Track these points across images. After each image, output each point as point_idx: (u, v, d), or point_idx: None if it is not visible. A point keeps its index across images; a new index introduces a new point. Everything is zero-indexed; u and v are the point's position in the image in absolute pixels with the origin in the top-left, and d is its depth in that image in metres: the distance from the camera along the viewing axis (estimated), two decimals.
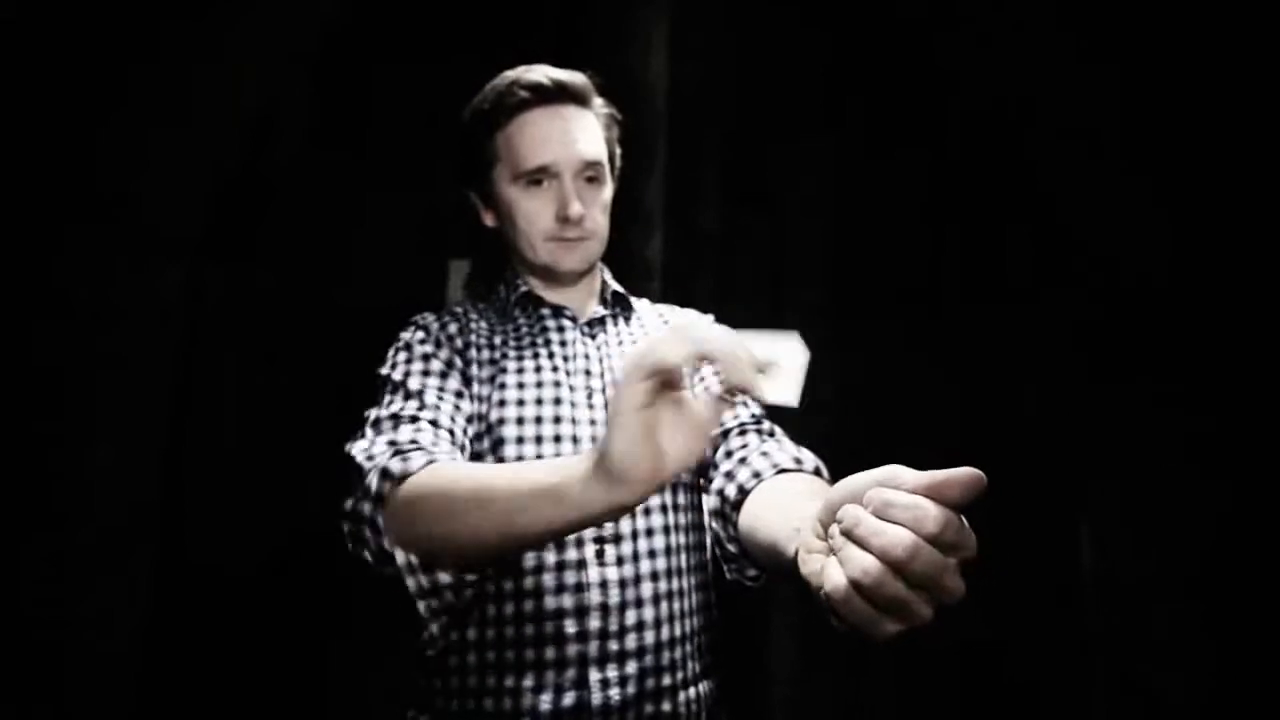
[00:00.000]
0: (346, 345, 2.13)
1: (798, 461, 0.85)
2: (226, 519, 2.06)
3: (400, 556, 0.71)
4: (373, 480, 0.74)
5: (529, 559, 0.86)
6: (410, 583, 0.72)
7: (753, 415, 0.94)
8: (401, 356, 0.94)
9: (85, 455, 1.85)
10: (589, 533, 0.87)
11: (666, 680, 0.86)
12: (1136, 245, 2.00)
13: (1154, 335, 1.95)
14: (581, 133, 0.96)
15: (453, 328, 0.98)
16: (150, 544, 1.95)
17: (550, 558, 0.86)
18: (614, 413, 0.52)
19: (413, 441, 0.80)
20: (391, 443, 0.79)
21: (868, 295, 2.20)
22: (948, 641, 2.05)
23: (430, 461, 0.74)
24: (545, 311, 1.01)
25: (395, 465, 0.73)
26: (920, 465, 0.45)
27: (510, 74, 0.98)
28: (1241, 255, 1.88)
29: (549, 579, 0.85)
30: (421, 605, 0.73)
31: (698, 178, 2.23)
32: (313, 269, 2.19)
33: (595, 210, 0.98)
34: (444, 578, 0.71)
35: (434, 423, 0.85)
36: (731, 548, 0.85)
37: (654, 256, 2.12)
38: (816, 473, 0.85)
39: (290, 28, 2.04)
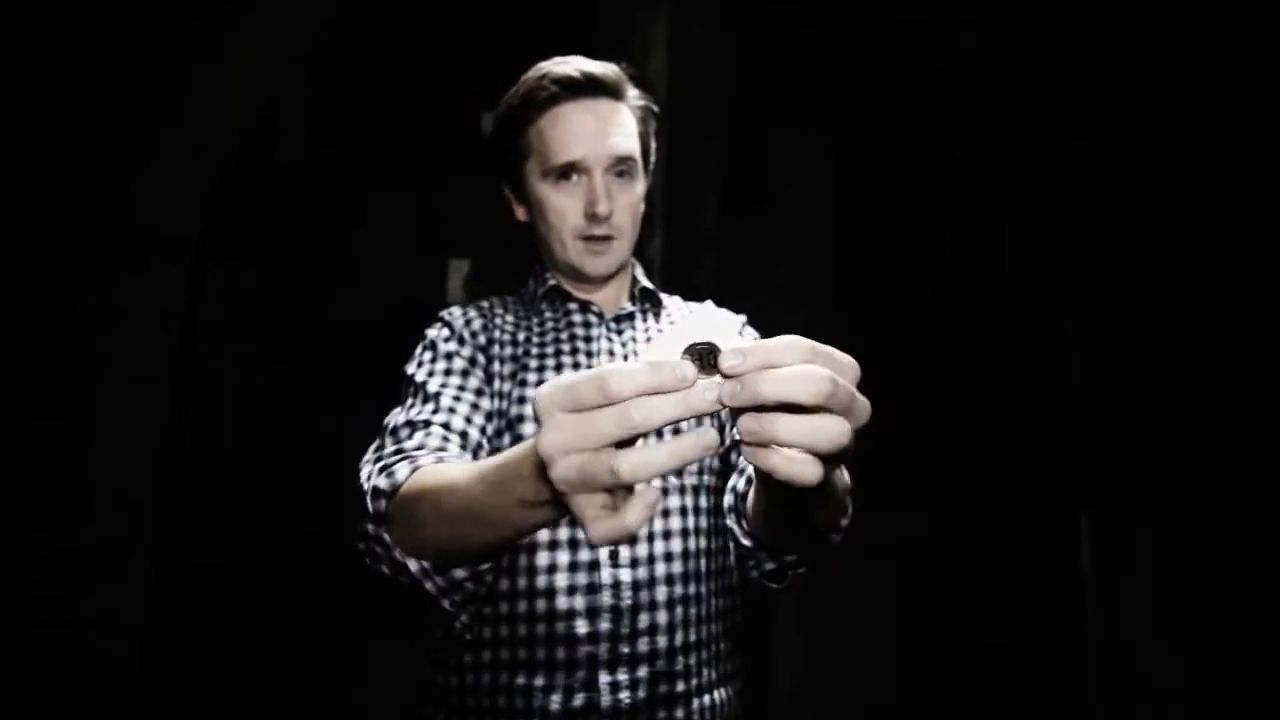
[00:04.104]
0: (346, 345, 2.13)
1: None
2: (226, 519, 2.05)
3: (413, 565, 0.71)
4: (368, 501, 0.75)
5: (542, 558, 0.86)
6: (429, 586, 0.71)
7: None
8: (426, 355, 0.93)
9: (85, 455, 1.85)
10: None
11: (680, 686, 0.85)
12: (1136, 243, 2.00)
13: (1154, 333, 1.96)
14: (613, 127, 0.93)
15: (477, 324, 0.97)
16: (150, 544, 1.95)
17: (564, 557, 0.86)
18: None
19: (418, 448, 0.80)
20: (397, 451, 0.79)
21: (866, 295, 2.21)
22: (950, 639, 2.06)
23: (415, 469, 0.74)
24: (572, 306, 1.00)
25: (383, 483, 0.74)
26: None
27: (543, 66, 0.96)
28: (1242, 253, 1.89)
29: (561, 579, 0.85)
30: (446, 603, 0.72)
31: (697, 178, 2.23)
32: (313, 269, 2.19)
33: (624, 207, 0.96)
34: (459, 573, 0.71)
35: (446, 425, 0.85)
36: (746, 542, 0.84)
37: (654, 257, 2.13)
38: None
39: (290, 28, 2.03)
